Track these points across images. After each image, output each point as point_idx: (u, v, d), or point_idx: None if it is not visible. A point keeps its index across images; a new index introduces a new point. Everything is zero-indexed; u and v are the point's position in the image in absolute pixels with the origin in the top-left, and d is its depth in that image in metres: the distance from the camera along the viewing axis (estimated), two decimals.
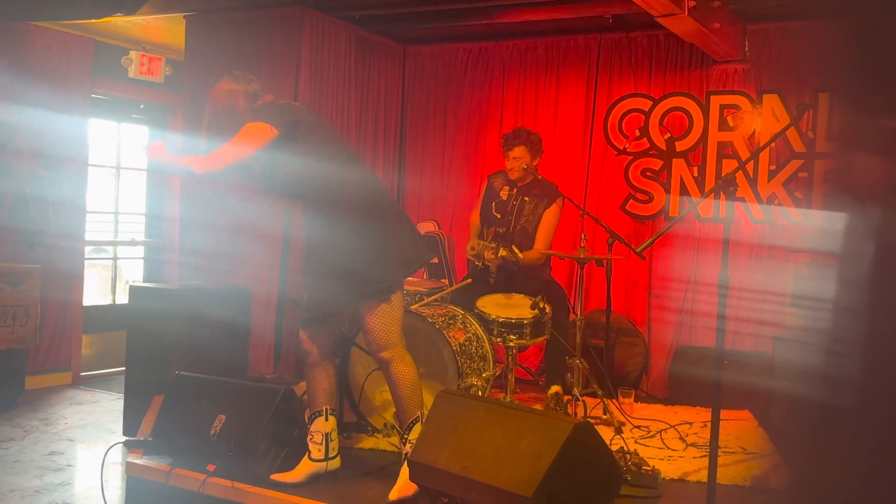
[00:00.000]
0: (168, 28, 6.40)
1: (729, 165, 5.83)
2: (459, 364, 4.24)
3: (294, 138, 3.45)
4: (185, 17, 6.06)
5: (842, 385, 0.64)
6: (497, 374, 4.57)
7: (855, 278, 0.63)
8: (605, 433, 4.04)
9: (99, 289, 7.57)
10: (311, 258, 3.62)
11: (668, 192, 6.10)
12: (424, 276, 6.04)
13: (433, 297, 4.81)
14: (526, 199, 5.07)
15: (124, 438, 4.70)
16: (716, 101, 5.95)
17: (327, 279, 3.51)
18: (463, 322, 4.52)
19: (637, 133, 6.19)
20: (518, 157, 5.01)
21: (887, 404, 0.59)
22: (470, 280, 5.06)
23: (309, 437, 3.62)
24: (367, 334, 3.57)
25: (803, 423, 0.71)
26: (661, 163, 6.14)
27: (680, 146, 6.07)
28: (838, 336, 0.65)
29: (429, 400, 3.58)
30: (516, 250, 4.70)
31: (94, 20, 5.93)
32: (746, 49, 5.85)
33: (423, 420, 3.50)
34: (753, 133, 5.82)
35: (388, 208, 3.63)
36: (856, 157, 0.68)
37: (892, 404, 0.59)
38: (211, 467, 3.56)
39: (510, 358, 4.57)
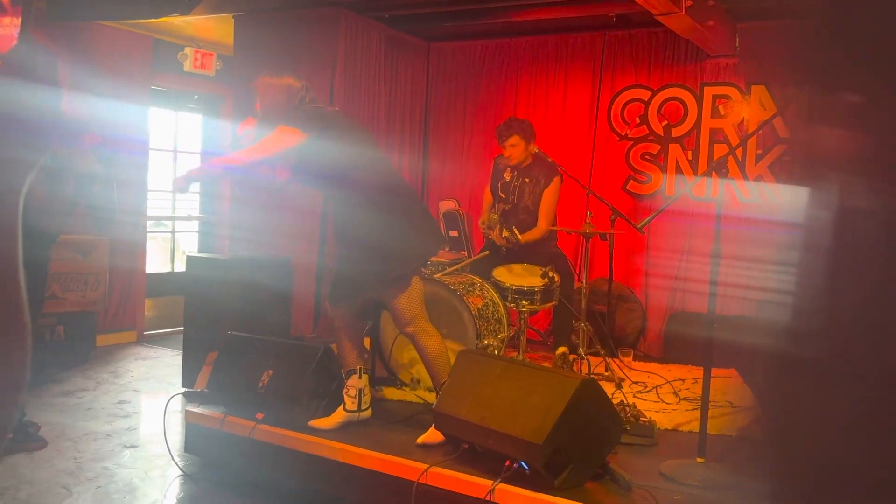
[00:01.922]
0: (219, 27, 6.38)
1: (720, 150, 5.75)
2: (478, 326, 4.24)
3: (323, 141, 3.37)
4: (234, 16, 6.03)
5: (807, 338, 0.64)
6: (511, 335, 4.56)
7: (817, 243, 0.63)
8: (607, 388, 4.02)
9: (159, 258, 7.62)
10: (338, 241, 3.65)
11: (664, 173, 6.04)
12: (446, 249, 6.03)
13: (454, 268, 4.80)
14: (526, 180, 4.99)
15: (183, 390, 4.75)
16: (709, 92, 5.87)
17: (353, 263, 3.53)
18: (480, 289, 4.51)
19: (637, 120, 6.12)
20: (515, 144, 4.91)
21: (847, 353, 0.60)
22: (486, 252, 5.05)
23: (345, 390, 3.64)
24: (392, 313, 3.58)
25: (773, 374, 0.71)
26: (659, 147, 6.07)
27: (676, 132, 6.00)
28: (803, 294, 0.65)
29: (451, 358, 3.58)
30: (516, 231, 4.67)
31: (153, 20, 5.92)
32: (737, 44, 5.75)
33: None
34: (742, 120, 5.74)
35: (407, 208, 3.56)
36: (814, 131, 0.68)
37: (851, 353, 0.60)
38: (259, 415, 3.58)
39: (522, 321, 4.57)
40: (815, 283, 0.63)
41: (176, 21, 6.05)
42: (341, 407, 3.62)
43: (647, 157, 6.12)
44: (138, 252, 6.53)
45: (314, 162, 3.41)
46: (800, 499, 0.64)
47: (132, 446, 4.03)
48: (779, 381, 0.70)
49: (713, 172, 5.29)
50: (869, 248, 0.59)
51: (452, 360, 3.51)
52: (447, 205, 6.75)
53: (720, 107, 5.81)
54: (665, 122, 6.02)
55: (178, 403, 4.50)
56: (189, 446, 3.86)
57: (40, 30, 5.35)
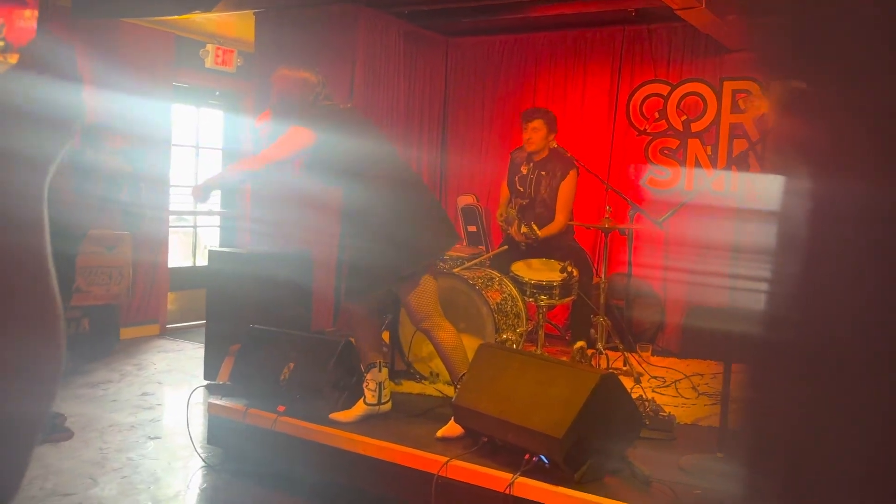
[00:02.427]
0: (240, 23, 6.39)
1: (739, 145, 5.68)
2: (496, 320, 4.22)
3: (336, 138, 3.35)
4: (254, 13, 6.04)
5: (782, 324, 0.65)
6: (529, 329, 4.54)
7: (791, 232, 0.64)
8: (626, 383, 3.99)
9: (181, 252, 7.66)
10: (352, 237, 3.63)
11: (683, 168, 5.97)
12: (465, 244, 6.01)
13: (473, 262, 4.78)
14: (543, 173, 4.96)
15: (206, 382, 4.76)
16: (728, 87, 5.79)
17: (366, 259, 3.49)
18: (499, 284, 4.49)
19: (656, 115, 6.06)
20: (537, 128, 4.87)
21: (820, 339, 0.60)
22: (505, 247, 5.02)
23: (364, 383, 3.63)
24: (406, 309, 3.59)
25: (752, 361, 0.72)
26: (678, 142, 6.01)
27: (695, 127, 5.93)
28: (779, 280, 0.66)
29: (470, 352, 3.56)
30: (535, 227, 4.64)
31: (175, 17, 5.94)
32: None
33: None
34: (763, 115, 5.66)
35: (421, 205, 3.53)
36: (788, 122, 0.69)
37: (824, 338, 0.60)
38: (281, 408, 3.59)
39: (540, 316, 4.54)
40: (791, 270, 0.63)
41: (197, 18, 6.07)
42: (362, 400, 3.61)
43: (665, 151, 6.06)
44: (161, 246, 6.57)
45: (328, 158, 3.40)
46: (772, 483, 0.64)
47: (156, 437, 4.06)
48: (756, 367, 0.71)
49: (733, 167, 5.24)
50: (841, 234, 0.60)
51: (470, 355, 3.49)
52: (465, 200, 6.72)
53: (740, 101, 5.74)
54: (684, 117, 5.96)
55: (200, 396, 4.51)
56: (211, 438, 3.88)
57: (59, 23, 5.38)
